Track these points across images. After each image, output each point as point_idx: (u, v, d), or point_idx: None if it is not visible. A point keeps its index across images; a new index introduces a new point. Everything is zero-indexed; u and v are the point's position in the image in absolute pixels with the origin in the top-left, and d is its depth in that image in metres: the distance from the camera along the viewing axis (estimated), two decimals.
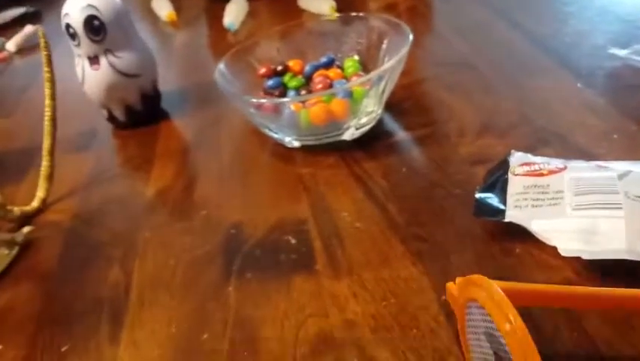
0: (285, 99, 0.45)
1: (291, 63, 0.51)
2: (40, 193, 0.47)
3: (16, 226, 0.45)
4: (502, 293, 0.21)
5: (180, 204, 0.44)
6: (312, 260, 0.35)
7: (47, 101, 0.48)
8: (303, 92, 0.48)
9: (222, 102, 0.51)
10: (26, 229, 0.43)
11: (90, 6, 0.50)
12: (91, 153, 0.54)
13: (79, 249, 0.41)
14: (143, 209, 0.44)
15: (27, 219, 0.46)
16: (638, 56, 0.46)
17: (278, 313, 0.32)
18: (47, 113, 0.48)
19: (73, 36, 0.51)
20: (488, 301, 0.21)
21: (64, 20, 0.51)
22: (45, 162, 0.48)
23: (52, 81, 0.48)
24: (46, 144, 0.48)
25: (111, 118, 0.56)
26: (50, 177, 0.48)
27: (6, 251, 0.42)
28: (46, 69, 0.48)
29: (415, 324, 0.29)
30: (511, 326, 0.19)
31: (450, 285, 0.26)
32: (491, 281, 0.22)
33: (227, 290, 0.34)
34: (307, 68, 0.50)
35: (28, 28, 0.89)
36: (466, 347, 0.26)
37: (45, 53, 0.47)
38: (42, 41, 0.47)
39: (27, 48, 0.88)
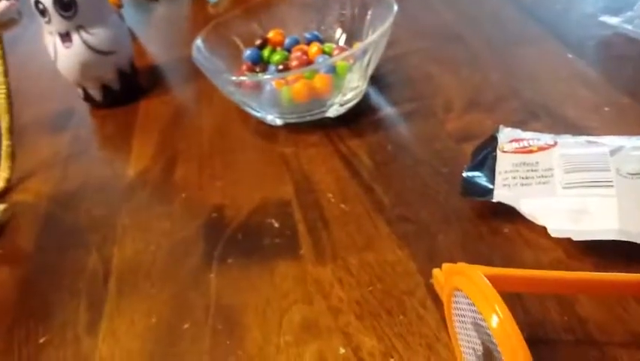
0: (265, 76, 0.43)
1: (270, 34, 0.49)
2: (3, 173, 0.46)
3: None
4: (489, 284, 0.20)
5: (160, 187, 0.42)
6: (296, 244, 0.34)
7: (0, 79, 0.46)
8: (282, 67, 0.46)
9: (203, 79, 0.49)
10: (1, 207, 0.42)
11: None
12: (68, 134, 0.53)
13: (55, 235, 0.40)
14: (122, 192, 0.43)
15: None
16: (630, 24, 0.45)
17: (261, 300, 0.31)
18: (2, 91, 0.46)
19: (42, 12, 0.49)
20: (474, 292, 0.20)
21: None
22: (5, 141, 0.47)
23: (4, 58, 0.45)
24: (4, 122, 0.46)
25: (87, 97, 0.54)
26: (12, 156, 0.47)
27: None
28: None
29: (401, 310, 0.28)
30: (499, 320, 0.18)
31: (436, 271, 0.26)
32: (477, 270, 0.21)
33: (208, 277, 0.33)
34: (287, 42, 0.49)
35: (3, 4, 0.86)
36: (453, 335, 0.25)
37: None
38: None
39: (2, 24, 0.85)
